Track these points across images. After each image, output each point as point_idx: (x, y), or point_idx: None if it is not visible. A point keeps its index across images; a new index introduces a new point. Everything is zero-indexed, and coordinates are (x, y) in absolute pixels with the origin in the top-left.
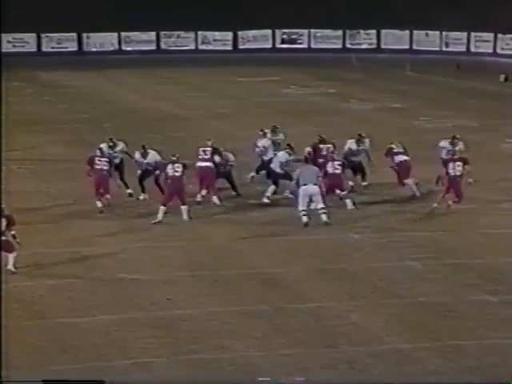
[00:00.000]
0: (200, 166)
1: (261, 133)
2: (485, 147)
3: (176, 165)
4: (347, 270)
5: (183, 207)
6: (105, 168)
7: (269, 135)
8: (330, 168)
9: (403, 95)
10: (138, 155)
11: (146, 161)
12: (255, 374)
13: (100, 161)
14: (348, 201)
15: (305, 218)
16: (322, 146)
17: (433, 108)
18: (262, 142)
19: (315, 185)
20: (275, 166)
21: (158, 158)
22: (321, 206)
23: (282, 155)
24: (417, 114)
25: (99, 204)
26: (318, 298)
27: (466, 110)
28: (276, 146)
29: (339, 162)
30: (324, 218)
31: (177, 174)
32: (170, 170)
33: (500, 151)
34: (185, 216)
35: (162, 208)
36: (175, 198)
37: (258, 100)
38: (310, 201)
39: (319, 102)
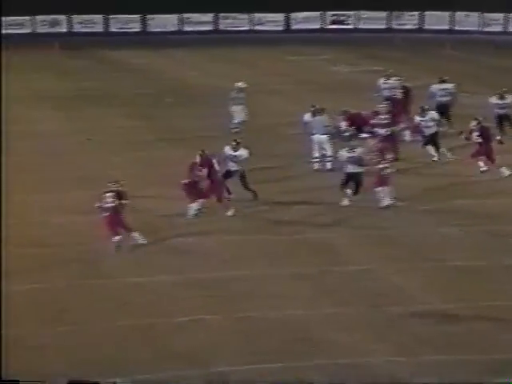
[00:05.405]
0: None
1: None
2: None
3: None
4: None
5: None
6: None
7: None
8: None
9: (444, 73)
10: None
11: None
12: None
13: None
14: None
15: None
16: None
17: (474, 85)
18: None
19: None
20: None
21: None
22: None
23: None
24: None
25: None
26: (360, 261)
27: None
28: None
29: None
30: None
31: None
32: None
33: None
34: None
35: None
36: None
37: (307, 77)
38: None
39: (364, 79)
